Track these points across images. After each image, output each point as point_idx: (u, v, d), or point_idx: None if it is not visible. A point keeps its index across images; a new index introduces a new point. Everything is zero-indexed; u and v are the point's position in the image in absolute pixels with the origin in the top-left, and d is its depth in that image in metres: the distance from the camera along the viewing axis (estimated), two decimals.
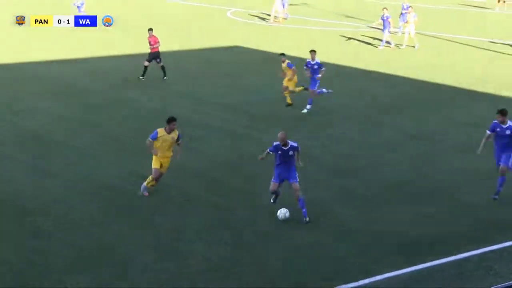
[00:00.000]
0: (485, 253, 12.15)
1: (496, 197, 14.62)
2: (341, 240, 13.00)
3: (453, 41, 34.06)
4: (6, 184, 15.44)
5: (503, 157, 14.74)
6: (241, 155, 17.58)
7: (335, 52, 30.42)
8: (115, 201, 14.55)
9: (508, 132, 14.68)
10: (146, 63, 25.29)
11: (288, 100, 21.65)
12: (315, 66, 21.68)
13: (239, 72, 28.05)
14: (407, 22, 32.16)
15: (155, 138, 14.30)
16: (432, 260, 11.80)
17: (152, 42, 25.29)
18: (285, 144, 13.77)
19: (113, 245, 12.31)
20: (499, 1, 43.39)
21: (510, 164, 14.76)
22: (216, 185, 15.40)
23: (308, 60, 22.00)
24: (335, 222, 13.74)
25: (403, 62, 29.30)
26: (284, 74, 22.12)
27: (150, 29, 25.73)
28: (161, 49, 25.78)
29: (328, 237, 13.01)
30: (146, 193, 14.41)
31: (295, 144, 14.07)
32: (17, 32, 33.01)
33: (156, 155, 14.41)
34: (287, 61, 21.89)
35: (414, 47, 31.44)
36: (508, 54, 29.95)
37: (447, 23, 40.05)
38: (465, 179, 16.22)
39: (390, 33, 32.75)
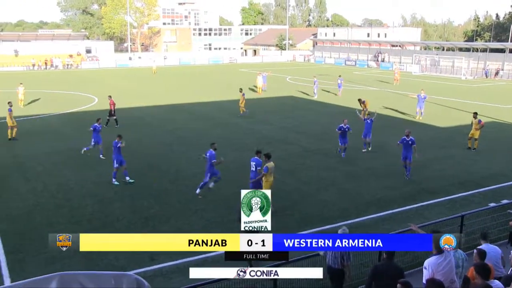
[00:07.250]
0: (418, 206, 12.50)
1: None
2: (341, 196, 13.20)
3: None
4: (169, 163, 15.85)
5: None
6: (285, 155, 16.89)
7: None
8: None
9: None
10: (108, 117, 22.13)
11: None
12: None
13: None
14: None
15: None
16: (388, 210, 12.12)
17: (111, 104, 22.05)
18: (408, 136, 14.31)
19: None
20: (396, 80, 43.14)
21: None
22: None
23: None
24: (338, 188, 13.79)
25: None
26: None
27: (110, 96, 22.47)
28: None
29: (331, 195, 13.07)
30: None
31: (413, 138, 14.35)
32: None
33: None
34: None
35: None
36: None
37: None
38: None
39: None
